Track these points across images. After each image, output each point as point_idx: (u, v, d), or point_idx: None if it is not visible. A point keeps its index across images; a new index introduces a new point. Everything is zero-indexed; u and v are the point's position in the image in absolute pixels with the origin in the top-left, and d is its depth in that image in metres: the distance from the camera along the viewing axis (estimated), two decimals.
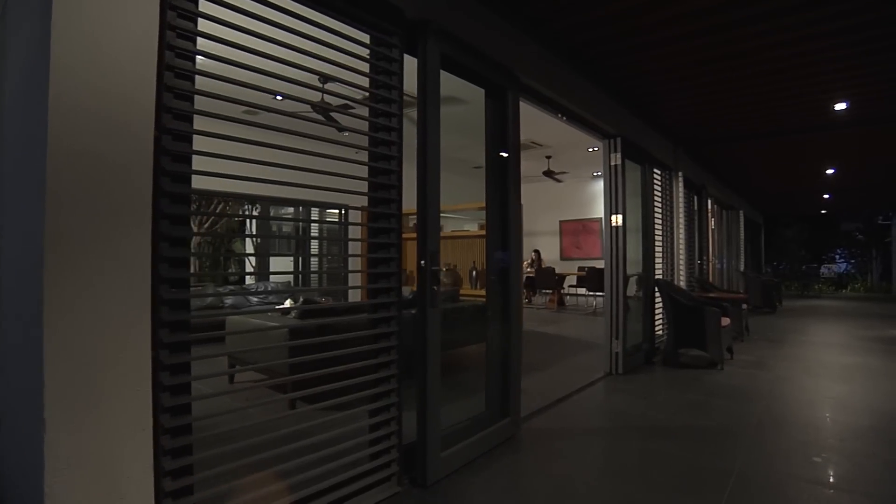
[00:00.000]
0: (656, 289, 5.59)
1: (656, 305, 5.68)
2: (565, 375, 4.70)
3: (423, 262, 2.43)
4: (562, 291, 11.02)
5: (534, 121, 7.52)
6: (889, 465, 2.69)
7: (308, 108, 2.36)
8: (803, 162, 8.45)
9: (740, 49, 3.76)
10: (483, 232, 7.63)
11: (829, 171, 9.17)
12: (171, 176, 1.68)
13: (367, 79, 2.39)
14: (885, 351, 5.98)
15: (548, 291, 11.36)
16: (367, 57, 2.38)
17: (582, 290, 11.20)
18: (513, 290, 3.13)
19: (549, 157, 10.39)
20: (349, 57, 2.23)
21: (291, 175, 2.06)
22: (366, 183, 2.37)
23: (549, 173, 10.51)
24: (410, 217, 8.85)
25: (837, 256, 21.83)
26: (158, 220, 1.62)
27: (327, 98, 2.46)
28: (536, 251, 12.12)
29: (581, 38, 3.63)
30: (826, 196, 13.03)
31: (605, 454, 2.92)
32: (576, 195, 13.11)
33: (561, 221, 13.57)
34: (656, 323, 5.72)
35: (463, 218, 9.81)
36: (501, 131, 3.19)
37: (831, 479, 2.55)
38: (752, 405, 3.76)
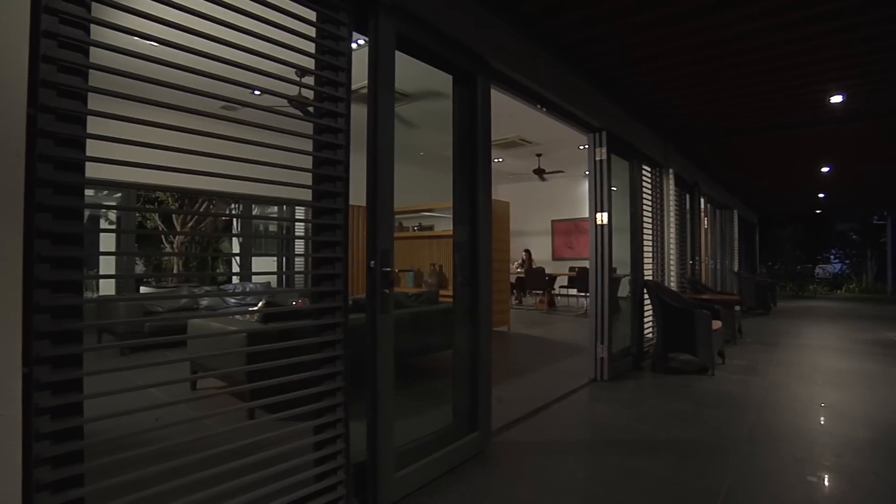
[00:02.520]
0: (645, 291, 5.36)
1: (645, 308, 5.46)
2: (547, 382, 4.46)
3: (372, 262, 2.18)
4: (552, 292, 10.78)
5: (522, 117, 7.31)
6: (889, 485, 2.46)
7: (234, 89, 2.12)
8: (798, 159, 8.23)
9: (730, 35, 3.52)
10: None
11: (825, 170, 8.96)
12: (55, 162, 1.43)
13: (313, 61, 2.15)
14: (881, 355, 5.76)
15: (538, 292, 11.12)
16: (313, 36, 2.14)
17: (573, 291, 10.98)
18: (482, 293, 2.88)
19: (539, 155, 10.17)
20: (292, 36, 1.99)
21: (234, 167, 1.82)
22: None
23: (539, 171, 10.28)
24: (397, 216, 8.59)
25: (832, 257, 21.68)
26: (34, 214, 1.37)
27: (271, 87, 2.18)
28: (527, 251, 11.89)
29: (558, 22, 3.39)
30: (821, 195, 12.83)
31: (580, 472, 2.67)
32: (568, 194, 12.90)
33: (553, 221, 13.36)
34: (645, 326, 5.50)
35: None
36: (471, 121, 2.94)
37: (827, 503, 2.32)
38: (743, 415, 3.52)
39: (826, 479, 2.54)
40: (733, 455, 2.82)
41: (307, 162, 2.15)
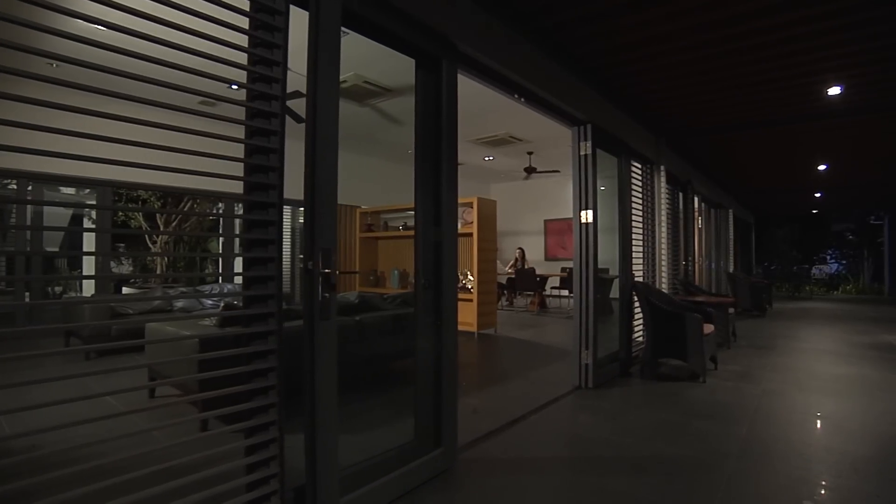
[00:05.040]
0: (634, 293, 5.11)
1: (635, 311, 5.21)
2: (528, 390, 4.21)
3: (310, 262, 1.93)
4: (544, 293, 10.54)
5: (511, 113, 7.08)
6: None
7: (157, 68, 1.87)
8: (795, 157, 8.01)
9: (721, 18, 3.28)
10: (467, 231, 7.16)
11: (822, 168, 8.74)
12: None
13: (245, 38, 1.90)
14: (881, 359, 5.52)
15: (530, 293, 10.87)
16: (247, 11, 1.89)
17: (565, 292, 10.74)
18: (446, 297, 2.63)
19: (530, 153, 9.94)
20: (224, 10, 1.75)
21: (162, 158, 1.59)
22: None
23: (530, 170, 10.04)
24: (383, 214, 8.30)
25: (829, 257, 21.48)
26: None
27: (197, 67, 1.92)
28: (521, 249, 11.64)
29: (533, 4, 3.14)
30: (818, 195, 12.63)
31: (551, 495, 2.41)
32: (561, 194, 12.66)
33: (546, 221, 13.14)
34: (635, 330, 5.25)
35: None
36: (435, 110, 2.70)
37: None
38: (735, 428, 3.28)
39: None
40: (723, 474, 2.57)
41: (241, 151, 1.91)
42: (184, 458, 1.70)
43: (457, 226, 2.69)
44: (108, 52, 1.50)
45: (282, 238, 1.90)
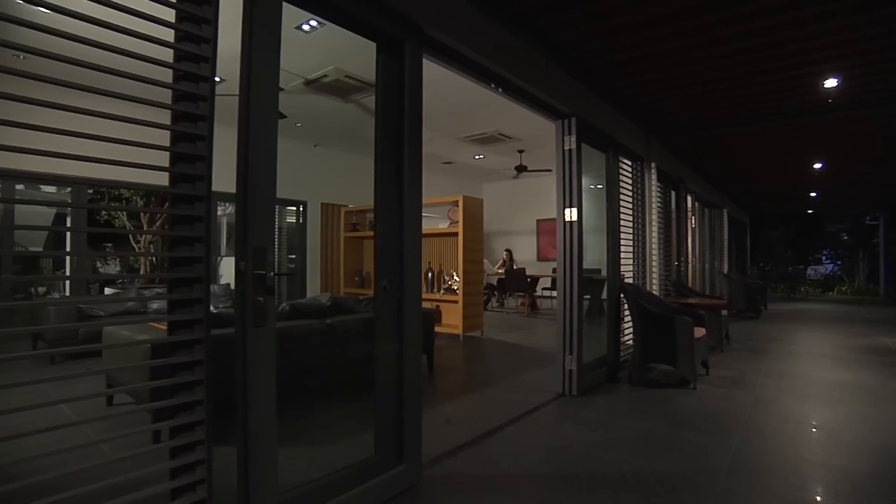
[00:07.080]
0: (622, 295, 4.91)
1: (624, 313, 5.01)
2: (508, 397, 3.99)
3: (242, 263, 1.71)
4: (534, 294, 10.34)
5: (500, 109, 6.86)
6: None
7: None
8: (790, 155, 7.82)
9: (713, 2, 3.08)
10: (453, 230, 6.96)
11: (817, 166, 8.56)
12: None
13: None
14: (878, 364, 5.33)
15: (521, 294, 10.66)
16: None
17: (556, 293, 10.53)
18: (408, 301, 2.42)
19: (521, 152, 9.73)
20: None
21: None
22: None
23: (520, 168, 9.84)
24: (369, 213, 8.11)
25: (824, 258, 21.33)
26: None
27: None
28: (508, 251, 11.45)
29: None
30: (813, 194, 12.45)
31: None
32: (553, 193, 12.43)
33: (538, 221, 12.93)
34: (624, 333, 5.05)
35: (434, 216, 9.05)
36: (397, 98, 2.49)
37: None
38: (725, 440, 3.07)
39: None
40: (709, 495, 2.37)
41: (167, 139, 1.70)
42: (105, 480, 1.49)
43: (420, 225, 2.48)
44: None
45: (210, 236, 1.69)
